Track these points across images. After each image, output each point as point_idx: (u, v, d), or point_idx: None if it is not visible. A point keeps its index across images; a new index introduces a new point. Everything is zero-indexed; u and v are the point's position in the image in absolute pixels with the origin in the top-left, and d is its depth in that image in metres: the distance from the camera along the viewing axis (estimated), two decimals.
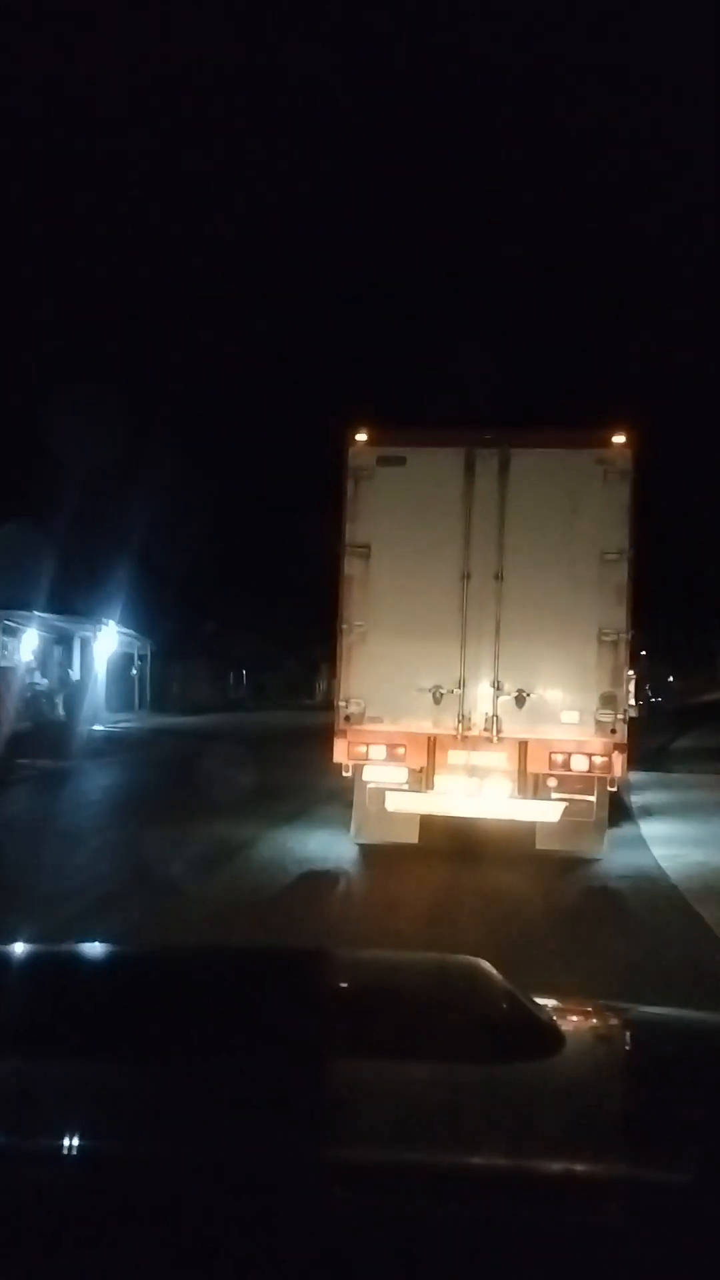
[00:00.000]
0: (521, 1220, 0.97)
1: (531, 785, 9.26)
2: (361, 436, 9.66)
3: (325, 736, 9.95)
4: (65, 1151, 1.12)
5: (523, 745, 9.24)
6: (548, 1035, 1.46)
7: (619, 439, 9.36)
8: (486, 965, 1.67)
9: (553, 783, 9.20)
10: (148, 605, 32.22)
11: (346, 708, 9.46)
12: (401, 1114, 1.25)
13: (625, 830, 11.01)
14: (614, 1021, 1.79)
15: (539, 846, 9.33)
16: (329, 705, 11.01)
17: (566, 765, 9.13)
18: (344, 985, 1.80)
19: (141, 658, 34.93)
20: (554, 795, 9.18)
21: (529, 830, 9.40)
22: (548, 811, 9.16)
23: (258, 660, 45.46)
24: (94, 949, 2.87)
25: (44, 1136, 1.15)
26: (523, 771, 9.23)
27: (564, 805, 9.11)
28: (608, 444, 9.35)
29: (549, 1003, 1.64)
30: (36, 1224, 0.94)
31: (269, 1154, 1.07)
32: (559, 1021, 1.58)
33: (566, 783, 9.18)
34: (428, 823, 9.57)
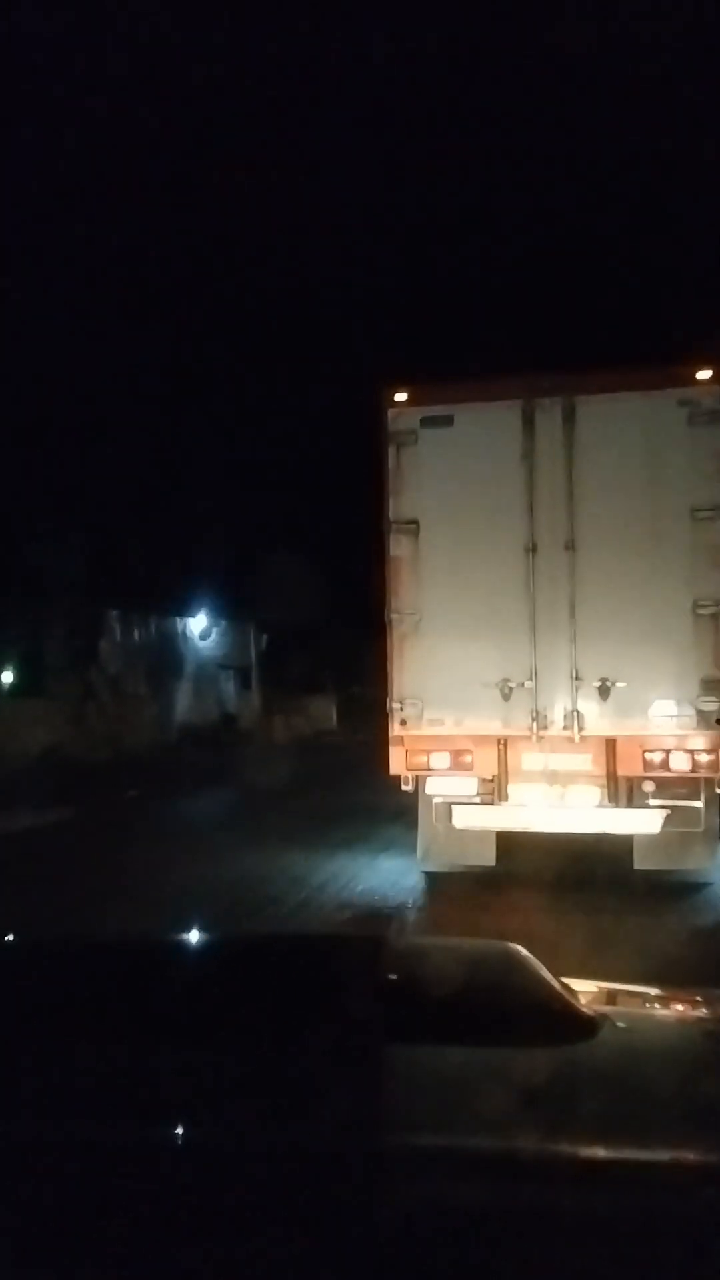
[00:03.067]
0: (559, 1204, 0.97)
1: (624, 791, 7.84)
2: (401, 396, 8.35)
3: None
4: (113, 1138, 1.10)
5: (610, 744, 7.83)
6: (584, 1019, 1.44)
7: (704, 374, 7.89)
8: (523, 950, 1.64)
9: (649, 787, 7.78)
10: None
11: (401, 710, 8.15)
12: (439, 1098, 1.26)
13: None
14: (650, 1004, 1.80)
15: (639, 866, 7.92)
16: None
17: (665, 765, 7.70)
18: (380, 971, 1.72)
19: None
20: (652, 802, 7.75)
21: (625, 846, 7.98)
22: (645, 822, 7.72)
23: None
24: (137, 938, 2.86)
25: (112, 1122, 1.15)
26: (612, 775, 7.80)
27: (665, 814, 7.67)
28: (691, 381, 7.90)
29: (586, 986, 1.65)
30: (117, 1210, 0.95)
31: (307, 1138, 1.08)
32: (595, 1005, 1.57)
33: (666, 786, 7.75)
34: (506, 841, 8.20)
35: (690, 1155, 1.11)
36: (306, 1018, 1.44)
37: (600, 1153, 1.09)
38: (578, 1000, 1.52)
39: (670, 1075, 1.43)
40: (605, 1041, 1.43)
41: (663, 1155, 1.10)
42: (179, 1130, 1.13)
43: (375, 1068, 1.36)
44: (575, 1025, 1.41)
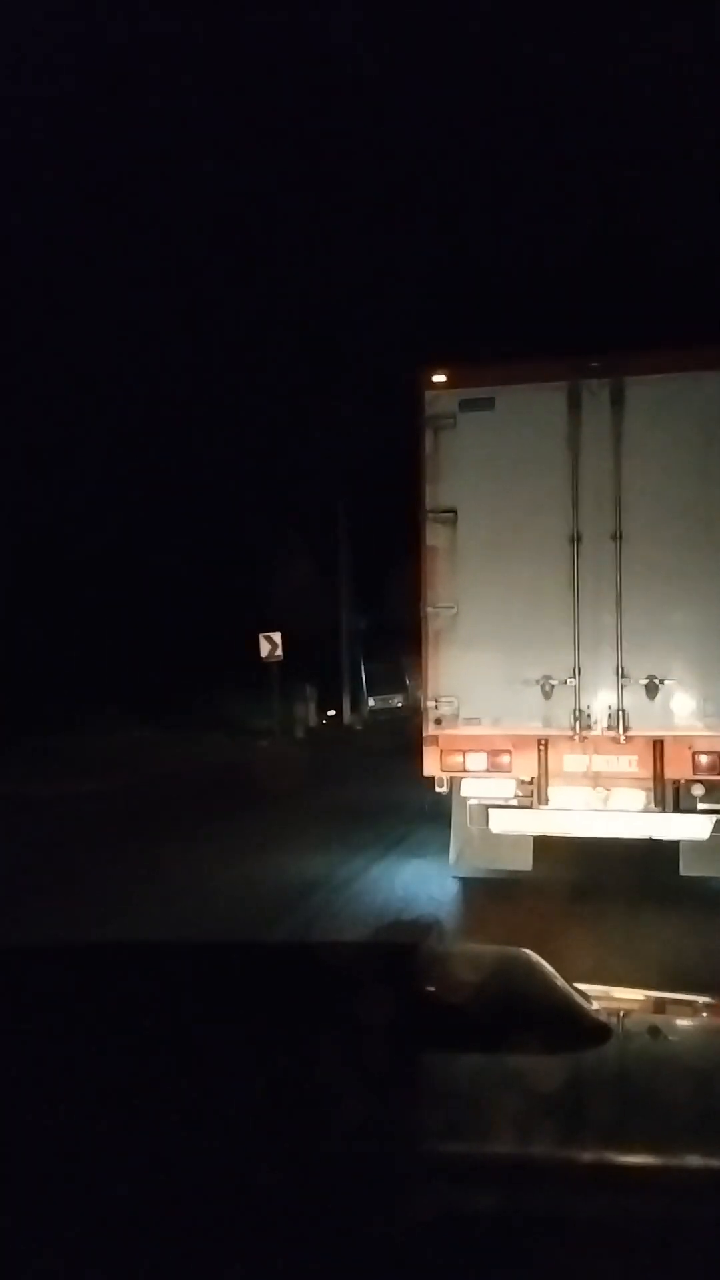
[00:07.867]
0: (572, 1211, 0.96)
1: (671, 795, 7.43)
2: (439, 377, 7.95)
3: None
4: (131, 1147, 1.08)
5: (657, 745, 7.42)
6: (597, 1025, 1.44)
7: None
8: (535, 956, 1.61)
9: (699, 790, 7.36)
10: None
11: (436, 709, 7.78)
12: (450, 1105, 1.28)
13: None
14: (666, 1011, 1.80)
15: (685, 871, 7.54)
16: None
17: (714, 768, 7.29)
18: (393, 977, 1.58)
19: None
20: (701, 806, 7.35)
21: (670, 850, 7.60)
22: (694, 827, 7.33)
23: None
24: (149, 943, 2.81)
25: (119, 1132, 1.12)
26: (659, 778, 7.39)
27: (715, 818, 7.28)
28: None
29: (600, 992, 1.65)
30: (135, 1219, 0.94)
31: (318, 1146, 1.08)
32: (609, 1011, 1.59)
33: (716, 789, 7.34)
34: (544, 845, 7.84)
35: (705, 1161, 1.08)
36: (315, 1024, 1.43)
37: (613, 1159, 1.07)
38: (592, 1005, 1.51)
39: (684, 1080, 1.41)
40: (619, 1046, 1.44)
41: (673, 1160, 1.08)
42: (186, 1136, 1.10)
43: (388, 1073, 1.33)
44: (587, 1030, 1.40)
